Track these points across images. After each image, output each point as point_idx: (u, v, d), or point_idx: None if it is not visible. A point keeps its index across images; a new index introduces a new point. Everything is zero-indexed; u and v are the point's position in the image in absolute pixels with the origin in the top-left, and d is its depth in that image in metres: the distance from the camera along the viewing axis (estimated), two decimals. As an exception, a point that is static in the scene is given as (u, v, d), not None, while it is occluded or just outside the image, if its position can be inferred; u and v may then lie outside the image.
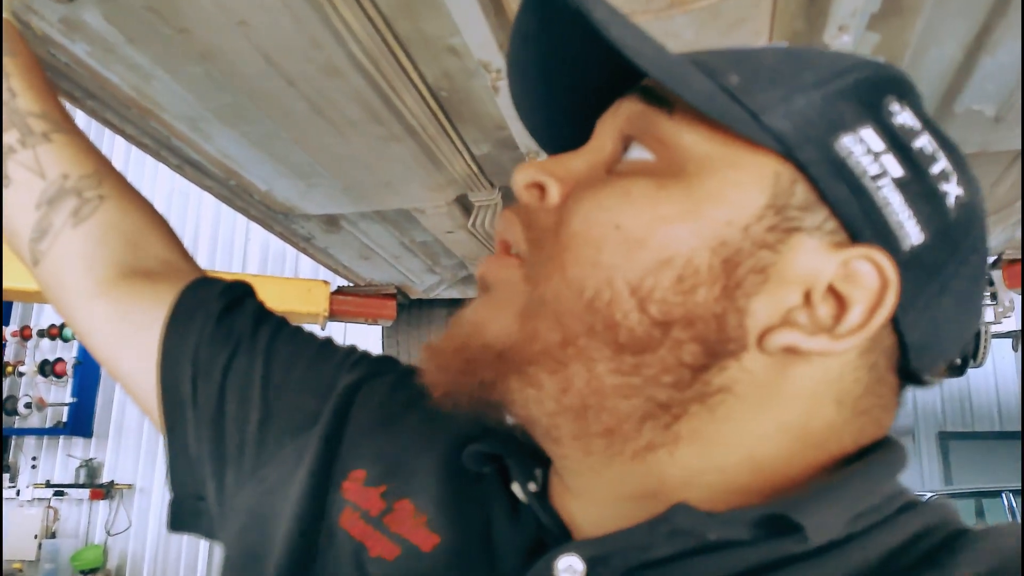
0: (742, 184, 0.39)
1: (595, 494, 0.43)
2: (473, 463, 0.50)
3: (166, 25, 0.92)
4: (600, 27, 0.37)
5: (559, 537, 0.44)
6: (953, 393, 10.82)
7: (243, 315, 0.64)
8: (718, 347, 0.38)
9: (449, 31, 0.94)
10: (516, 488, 0.47)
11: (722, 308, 0.38)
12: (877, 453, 0.41)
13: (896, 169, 0.39)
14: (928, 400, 10.87)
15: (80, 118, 1.03)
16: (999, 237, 1.89)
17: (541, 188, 0.44)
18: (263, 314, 0.66)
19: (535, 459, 0.47)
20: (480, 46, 0.95)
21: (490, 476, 0.50)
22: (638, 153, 0.42)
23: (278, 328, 0.64)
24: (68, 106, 1.09)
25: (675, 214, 0.39)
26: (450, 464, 0.51)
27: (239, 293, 0.66)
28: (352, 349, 0.64)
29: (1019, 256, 2.00)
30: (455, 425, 0.54)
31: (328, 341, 0.66)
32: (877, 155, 0.39)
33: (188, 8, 0.88)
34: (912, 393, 11.02)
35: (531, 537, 0.45)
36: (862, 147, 0.38)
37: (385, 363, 0.62)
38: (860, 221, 0.38)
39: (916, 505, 0.42)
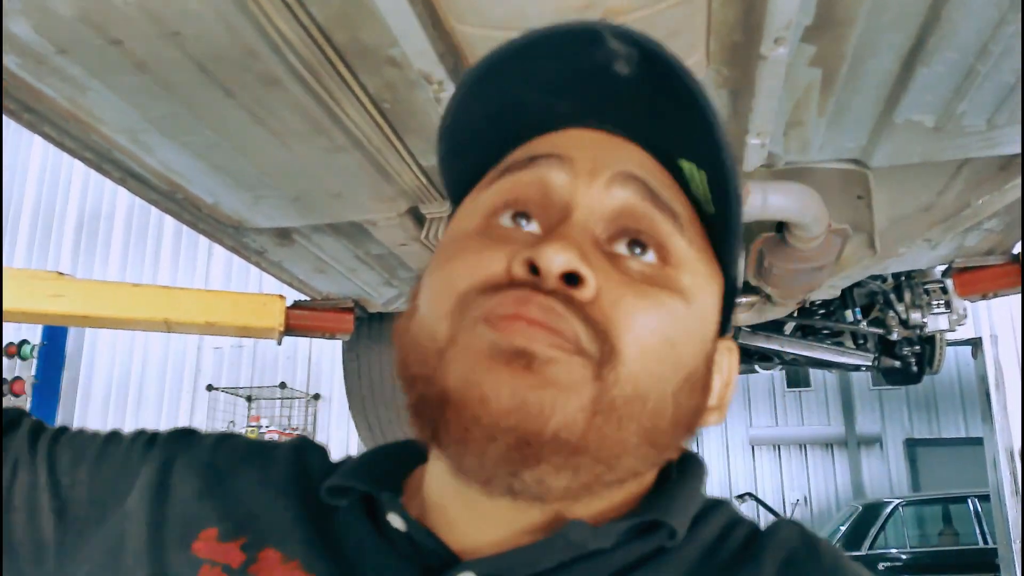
0: (716, 301, 0.48)
1: (498, 520, 0.45)
2: (333, 497, 0.50)
3: (98, 36, 0.90)
4: (711, 123, 0.42)
5: (448, 560, 0.44)
6: (920, 401, 10.99)
7: (18, 436, 0.62)
8: (696, 428, 0.47)
9: (388, 42, 0.94)
10: (394, 518, 0.47)
11: (702, 400, 0.47)
12: (690, 460, 0.50)
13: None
14: (895, 408, 11.02)
15: (16, 131, 1.01)
16: (949, 245, 1.93)
17: (576, 276, 0.42)
18: (38, 429, 0.64)
19: (388, 488, 0.49)
20: (420, 56, 0.95)
21: (350, 509, 0.50)
22: (641, 254, 0.45)
23: (56, 437, 0.62)
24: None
25: (694, 331, 0.45)
26: (308, 505, 0.51)
27: (12, 417, 0.64)
28: (140, 432, 0.63)
29: (970, 264, 2.03)
30: (294, 467, 0.54)
31: (114, 432, 0.64)
32: None
33: (119, 19, 0.87)
34: (880, 401, 11.17)
35: (417, 564, 0.46)
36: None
37: (189, 436, 0.61)
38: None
39: (717, 504, 0.50)
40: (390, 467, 0.53)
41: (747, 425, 10.69)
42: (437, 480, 0.48)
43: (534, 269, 0.41)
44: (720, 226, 0.46)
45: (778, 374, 9.97)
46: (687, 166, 0.45)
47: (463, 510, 0.46)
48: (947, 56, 1.03)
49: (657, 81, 0.43)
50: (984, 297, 2.19)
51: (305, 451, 0.57)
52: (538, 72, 0.47)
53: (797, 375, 10.49)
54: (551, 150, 0.47)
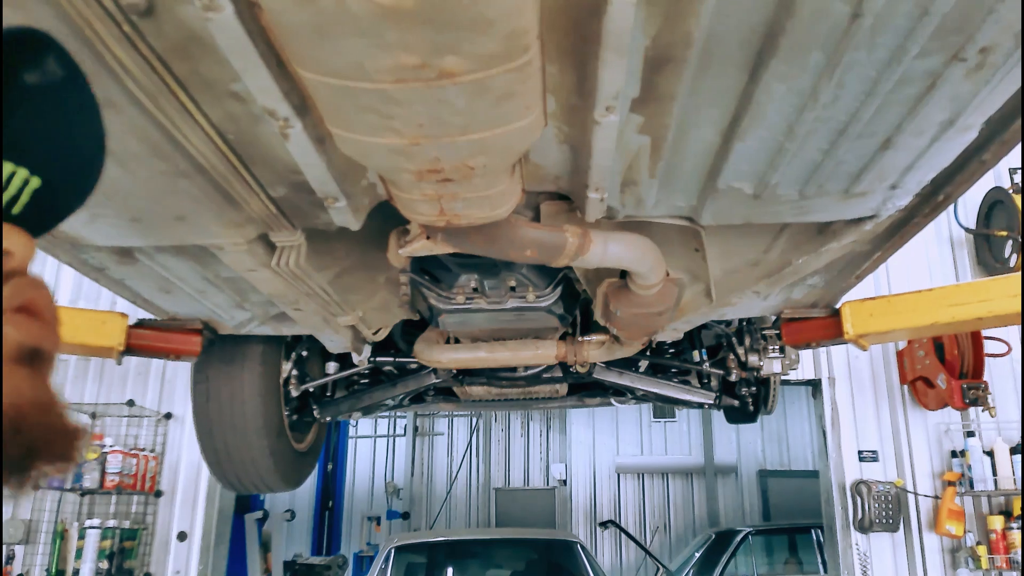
0: None
1: None
2: None
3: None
4: None
5: None
6: (772, 435, 11.71)
7: None
8: None
9: (231, 77, 0.94)
10: None
11: None
12: None
13: None
14: (750, 440, 11.69)
15: None
16: (776, 298, 2.09)
17: None
18: None
19: None
20: (263, 93, 0.95)
21: None
22: None
23: None
24: None
25: None
26: None
27: None
28: None
29: (796, 316, 2.22)
30: None
31: None
32: None
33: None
34: (736, 434, 11.76)
35: None
36: None
37: None
38: None
39: None
40: None
41: (615, 454, 11.00)
42: None
43: None
44: None
45: (646, 406, 10.35)
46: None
47: None
48: (759, 134, 1.14)
49: None
50: (808, 346, 2.40)
51: None
52: None
53: (663, 408, 10.93)
54: None
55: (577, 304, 2.16)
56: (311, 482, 8.77)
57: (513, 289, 1.88)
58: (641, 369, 2.93)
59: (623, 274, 1.76)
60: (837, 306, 2.24)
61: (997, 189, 4.89)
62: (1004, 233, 4.83)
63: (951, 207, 4.86)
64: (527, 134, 1.04)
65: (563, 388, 3.27)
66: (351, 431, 10.34)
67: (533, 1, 0.79)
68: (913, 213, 1.53)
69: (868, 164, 1.23)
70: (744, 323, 2.70)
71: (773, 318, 2.46)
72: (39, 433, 0.46)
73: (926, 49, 0.93)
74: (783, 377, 2.84)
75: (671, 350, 2.98)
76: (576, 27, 0.91)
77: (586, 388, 3.39)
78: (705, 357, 2.88)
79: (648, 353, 2.84)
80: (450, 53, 0.82)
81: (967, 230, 5.08)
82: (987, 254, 5.05)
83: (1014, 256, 4.81)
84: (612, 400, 3.44)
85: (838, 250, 1.66)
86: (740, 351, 2.69)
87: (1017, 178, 4.89)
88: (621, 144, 1.14)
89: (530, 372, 2.89)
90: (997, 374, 4.76)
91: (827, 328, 2.18)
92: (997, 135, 1.23)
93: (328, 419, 2.87)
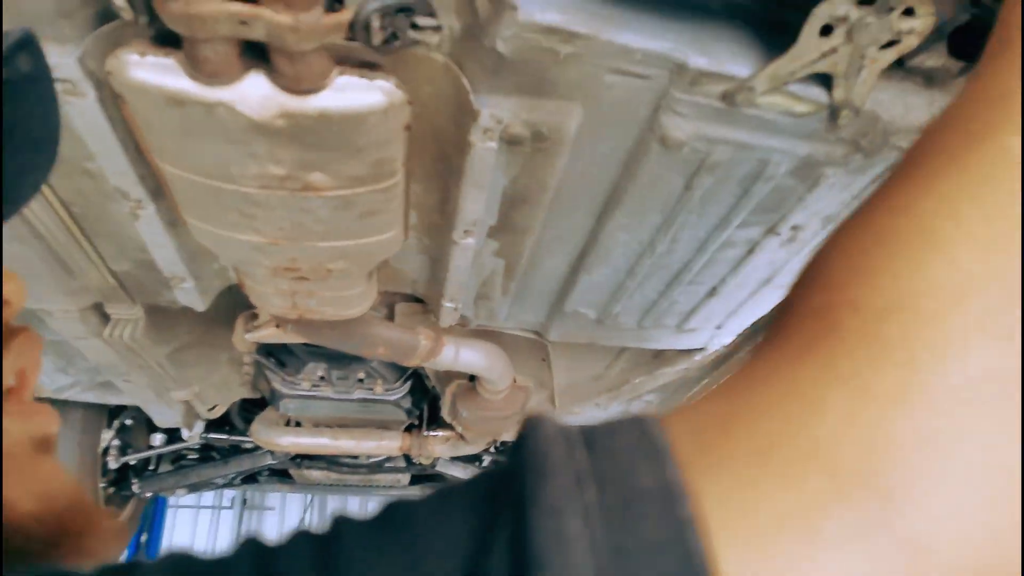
0: None
1: None
2: None
3: None
4: None
5: None
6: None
7: None
8: None
9: (85, 156, 0.92)
10: None
11: None
12: None
13: None
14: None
15: None
16: (615, 410, 2.20)
17: None
18: None
19: None
20: (119, 176, 0.94)
21: None
22: None
23: None
24: None
25: None
26: None
27: None
28: None
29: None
30: None
31: None
32: None
33: None
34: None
35: None
36: None
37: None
38: None
39: None
40: None
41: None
42: None
43: None
44: None
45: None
46: None
47: None
48: (604, 270, 1.23)
49: None
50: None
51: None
52: None
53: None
54: None
55: (426, 399, 2.17)
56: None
57: (361, 381, 1.87)
58: (485, 464, 2.94)
59: (472, 376, 1.80)
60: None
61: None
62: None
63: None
64: (387, 247, 1.07)
65: (405, 478, 3.22)
66: (171, 499, 9.56)
67: (401, 135, 0.83)
68: (737, 349, 1.68)
69: (697, 306, 1.35)
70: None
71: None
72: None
73: (747, 221, 1.06)
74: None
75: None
76: (444, 157, 0.96)
77: (430, 479, 3.36)
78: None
79: (493, 450, 2.87)
80: (317, 170, 0.84)
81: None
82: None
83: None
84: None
85: (672, 374, 1.78)
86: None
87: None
88: (477, 264, 1.20)
89: (372, 460, 2.84)
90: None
91: (659, 443, 2.30)
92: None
93: (149, 495, 2.67)
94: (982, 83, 0.38)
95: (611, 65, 0.77)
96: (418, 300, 1.50)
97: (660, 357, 1.76)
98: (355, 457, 2.78)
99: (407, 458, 2.72)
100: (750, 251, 1.15)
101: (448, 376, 1.88)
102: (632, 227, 1.08)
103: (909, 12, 0.72)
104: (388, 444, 2.32)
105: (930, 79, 0.87)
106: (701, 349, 1.62)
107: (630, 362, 1.81)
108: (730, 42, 0.80)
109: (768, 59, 0.80)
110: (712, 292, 1.29)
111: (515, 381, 1.78)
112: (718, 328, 1.48)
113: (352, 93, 0.75)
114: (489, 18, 0.72)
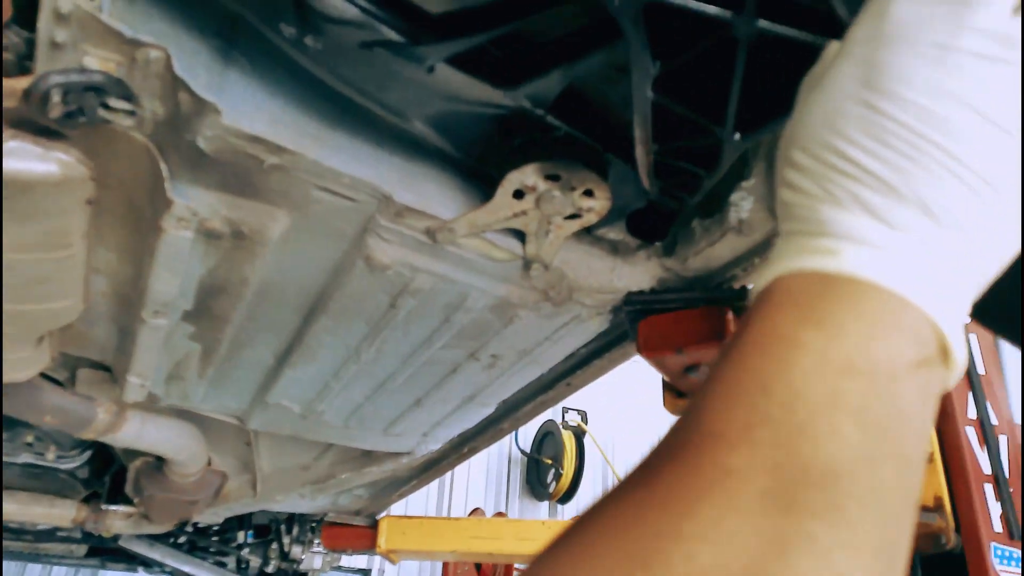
0: None
1: None
2: None
3: None
4: None
5: None
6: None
7: None
8: None
9: None
10: None
11: None
12: None
13: None
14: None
15: None
16: (324, 500, 2.13)
17: None
18: None
19: None
20: None
21: None
22: None
23: None
24: None
25: None
26: None
27: None
28: None
29: (339, 521, 2.27)
30: None
31: None
32: None
33: None
34: None
35: None
36: None
37: None
38: None
39: None
40: None
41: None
42: None
43: None
44: None
45: None
46: None
47: None
48: (308, 368, 1.20)
49: None
50: (345, 552, 2.45)
51: None
52: None
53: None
54: None
55: (110, 470, 1.95)
56: None
57: (30, 445, 1.64)
58: (177, 542, 2.69)
59: (159, 456, 1.65)
60: (379, 516, 2.34)
61: (550, 422, 5.74)
62: (549, 461, 5.62)
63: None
64: (59, 316, 0.97)
65: (81, 549, 2.84)
66: None
67: (81, 208, 0.77)
68: (445, 455, 1.72)
69: (403, 414, 1.37)
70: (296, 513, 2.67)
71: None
72: None
73: (449, 344, 1.10)
74: (335, 565, 2.82)
75: (216, 528, 2.80)
76: (139, 233, 0.90)
77: (111, 553, 2.99)
78: (251, 539, 2.75)
79: (188, 529, 2.63)
80: (-29, 228, 0.75)
81: (523, 452, 5.80)
82: (535, 476, 5.78)
83: (553, 483, 5.58)
84: (140, 570, 3.06)
85: (379, 473, 1.76)
86: (286, 540, 2.63)
87: (568, 416, 5.81)
88: (170, 344, 1.12)
89: (42, 527, 2.47)
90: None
91: (364, 538, 2.25)
92: (512, 412, 1.47)
93: None
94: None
95: (318, 183, 0.78)
96: (106, 368, 1.36)
97: (369, 455, 1.74)
98: (22, 523, 2.41)
99: (83, 530, 2.40)
100: (452, 371, 1.19)
101: (135, 450, 1.70)
102: (339, 331, 1.07)
103: (589, 193, 0.81)
104: (60, 513, 2.04)
105: (615, 248, 0.98)
106: (409, 453, 1.62)
107: (338, 456, 1.77)
108: (439, 183, 0.85)
109: (472, 206, 0.85)
110: (417, 403, 1.31)
111: (210, 463, 1.66)
112: (424, 435, 1.50)
113: (21, 160, 0.68)
114: (191, 114, 0.70)
